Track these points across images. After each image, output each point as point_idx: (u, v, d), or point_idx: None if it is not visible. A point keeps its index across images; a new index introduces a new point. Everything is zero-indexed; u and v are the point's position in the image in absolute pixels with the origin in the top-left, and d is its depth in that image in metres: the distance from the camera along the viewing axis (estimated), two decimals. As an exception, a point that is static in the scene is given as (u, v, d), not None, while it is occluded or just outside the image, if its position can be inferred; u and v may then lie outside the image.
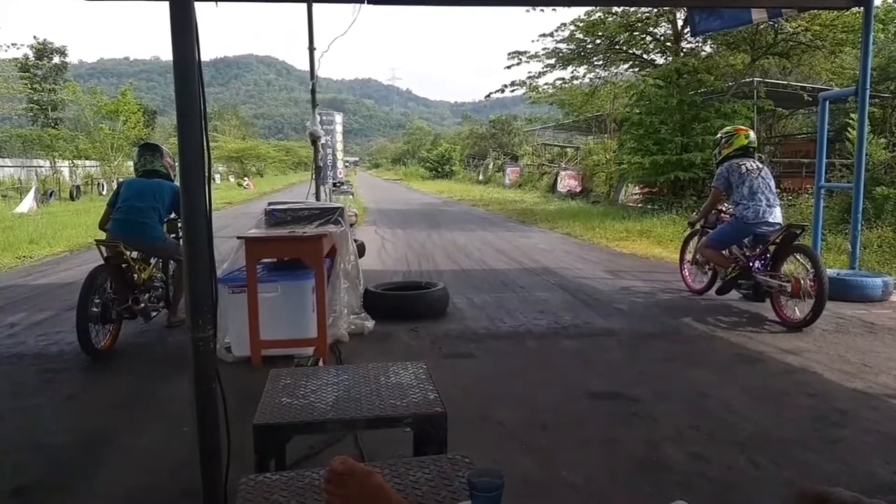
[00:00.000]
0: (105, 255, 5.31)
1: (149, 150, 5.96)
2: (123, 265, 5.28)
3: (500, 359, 4.99)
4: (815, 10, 13.57)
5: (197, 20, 1.92)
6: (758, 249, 6.18)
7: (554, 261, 10.03)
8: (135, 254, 5.55)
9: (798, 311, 5.81)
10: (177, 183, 5.59)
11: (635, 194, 18.99)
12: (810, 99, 16.41)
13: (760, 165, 6.31)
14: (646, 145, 16.22)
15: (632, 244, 11.75)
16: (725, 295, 6.72)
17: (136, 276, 5.41)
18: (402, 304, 6.25)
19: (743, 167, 6.19)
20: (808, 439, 3.39)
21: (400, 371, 2.63)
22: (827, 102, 7.79)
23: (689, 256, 7.49)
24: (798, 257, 5.91)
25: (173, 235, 5.91)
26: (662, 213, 14.72)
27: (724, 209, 6.75)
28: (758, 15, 7.94)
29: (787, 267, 5.98)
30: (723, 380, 4.41)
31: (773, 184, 6.24)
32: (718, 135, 6.82)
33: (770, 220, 6.04)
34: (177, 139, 1.98)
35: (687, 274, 7.57)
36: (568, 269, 9.24)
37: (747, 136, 6.47)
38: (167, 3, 1.89)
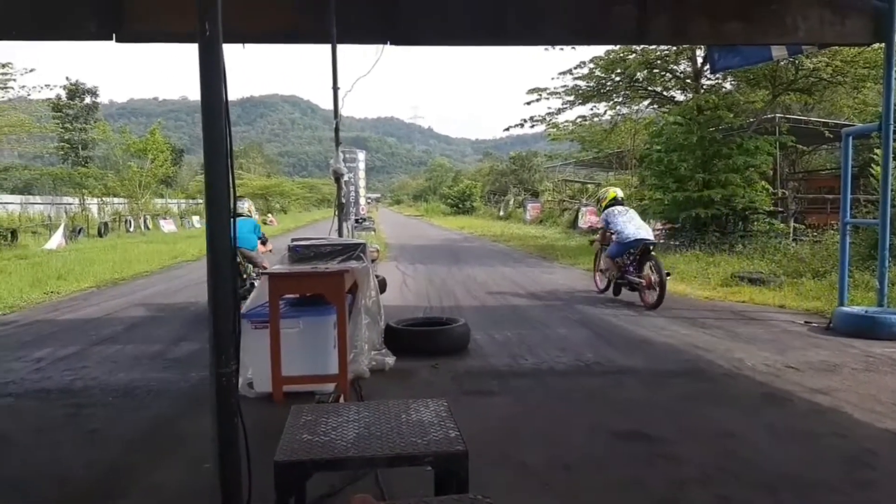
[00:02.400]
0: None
1: (238, 199, 8.63)
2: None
3: (522, 396, 4.94)
4: (836, 47, 13.57)
5: (225, 62, 1.98)
6: (629, 259, 9.28)
7: (576, 298, 9.96)
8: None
9: (650, 297, 8.81)
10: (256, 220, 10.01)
11: (657, 230, 18.88)
12: (832, 135, 16.32)
13: (627, 208, 10.02)
14: (666, 182, 16.18)
15: (654, 280, 11.64)
16: (618, 293, 9.76)
17: (243, 273, 8.55)
18: (422, 340, 6.24)
19: (615, 210, 9.80)
20: (837, 481, 3.30)
21: (421, 408, 2.62)
22: (850, 138, 7.74)
23: (600, 266, 10.40)
24: (650, 263, 8.98)
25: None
26: (685, 250, 14.60)
27: (612, 236, 9.66)
28: (778, 52, 7.97)
29: (645, 270, 9.03)
30: (749, 419, 4.31)
31: (636, 216, 9.85)
32: (600, 193, 11.15)
33: (634, 239, 9.21)
34: (203, 177, 2.03)
35: (597, 279, 10.56)
36: (590, 306, 9.17)
37: (615, 195, 10.22)
38: (194, 45, 1.95)
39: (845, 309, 7.29)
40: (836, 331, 7.08)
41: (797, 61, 15.21)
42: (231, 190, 2.01)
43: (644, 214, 19.62)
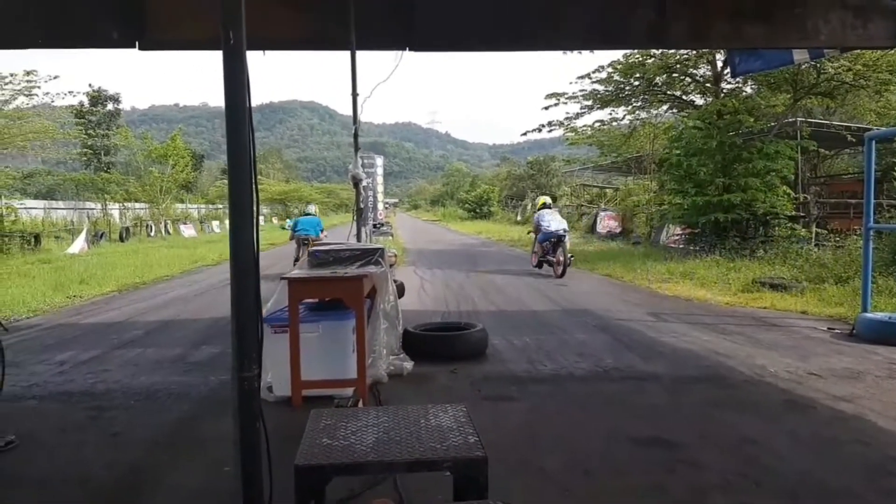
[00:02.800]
0: (299, 242, 13.51)
1: (308, 204, 15.44)
2: (305, 244, 12.57)
3: (541, 402, 4.93)
4: (858, 50, 13.41)
5: (248, 69, 2.00)
6: (550, 244, 13.53)
7: (594, 302, 9.92)
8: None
9: (558, 270, 13.08)
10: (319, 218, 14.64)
11: (676, 235, 18.74)
12: (854, 139, 16.11)
13: (553, 210, 14.54)
14: (685, 187, 16.06)
15: (674, 286, 11.56)
16: (541, 268, 13.97)
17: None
18: (441, 345, 6.24)
19: (544, 212, 13.97)
20: (861, 489, 3.25)
21: (440, 413, 2.62)
22: (873, 142, 7.65)
23: (534, 249, 14.49)
24: (560, 248, 13.20)
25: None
26: (705, 255, 14.47)
27: (540, 230, 13.78)
28: (799, 56, 7.89)
29: (558, 253, 13.19)
30: (771, 426, 4.27)
31: (557, 216, 14.25)
32: (536, 200, 15.69)
33: (552, 231, 13.43)
34: (227, 182, 2.05)
35: (532, 259, 14.50)
36: (609, 311, 9.12)
37: (545, 202, 14.77)
38: (217, 52, 1.98)
39: (869, 315, 7.19)
40: (859, 337, 6.98)
41: (819, 65, 15.05)
42: (254, 196, 2.03)
43: (663, 219, 19.56)
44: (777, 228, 15.30)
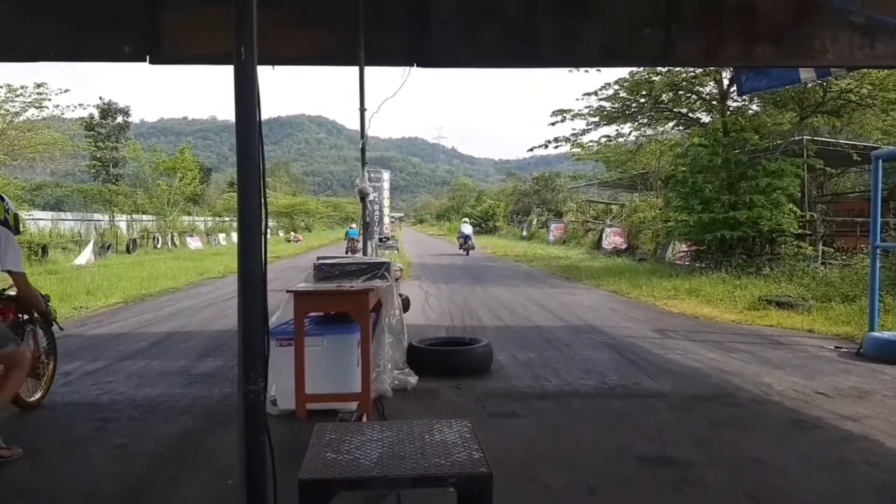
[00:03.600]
0: (349, 241, 25.35)
1: (351, 222, 27.57)
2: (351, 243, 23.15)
3: (546, 419, 4.90)
4: (865, 69, 13.43)
5: (259, 85, 2.02)
6: (462, 240, 28.74)
7: (600, 319, 9.89)
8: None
9: (465, 252, 27.89)
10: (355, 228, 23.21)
11: (682, 252, 18.71)
12: (860, 158, 16.09)
13: (466, 223, 31.26)
14: (691, 204, 16.05)
15: (680, 303, 11.52)
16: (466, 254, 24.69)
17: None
18: (445, 359, 6.22)
19: (463, 225, 30.13)
20: (872, 512, 3.22)
21: (444, 429, 2.61)
22: (880, 161, 7.64)
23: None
24: (469, 243, 28.15)
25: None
26: (711, 272, 14.43)
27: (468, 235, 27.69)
28: (806, 74, 7.91)
29: (466, 245, 28.15)
30: (779, 446, 4.23)
31: (469, 226, 29.91)
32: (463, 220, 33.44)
33: (463, 234, 28.72)
34: (236, 195, 2.07)
35: (458, 248, 27.78)
36: (614, 327, 9.09)
37: (465, 219, 36.95)
38: (227, 67, 2.00)
39: (876, 334, 7.15)
40: (866, 356, 6.94)
41: (825, 84, 15.08)
42: (263, 209, 2.04)
43: (669, 236, 19.55)
44: (783, 246, 15.26)
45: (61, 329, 5.52)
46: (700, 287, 12.82)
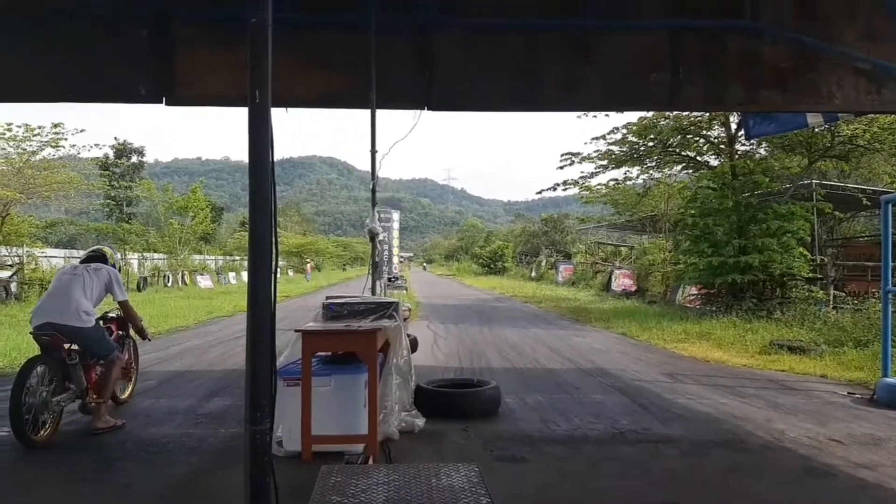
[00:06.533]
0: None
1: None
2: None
3: (555, 464, 4.83)
4: (873, 114, 13.52)
5: (272, 127, 2.06)
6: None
7: (609, 362, 9.80)
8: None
9: None
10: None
11: (692, 295, 18.60)
12: (870, 202, 16.08)
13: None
14: (701, 248, 16.01)
15: (690, 346, 11.41)
16: None
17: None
18: (453, 401, 6.17)
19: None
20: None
21: (451, 473, 2.58)
22: (889, 205, 7.63)
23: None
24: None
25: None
26: (721, 315, 14.32)
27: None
28: (813, 119, 7.98)
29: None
30: (791, 493, 4.15)
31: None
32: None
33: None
34: (248, 235, 2.09)
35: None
36: (624, 370, 9.00)
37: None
38: (241, 108, 2.04)
39: (889, 380, 7.04)
40: (880, 403, 6.82)
41: (833, 128, 15.17)
42: (274, 249, 2.07)
43: (679, 279, 19.47)
44: (794, 290, 15.15)
45: (149, 339, 6.92)
46: (711, 330, 12.71)
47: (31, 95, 6.89)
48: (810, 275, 15.47)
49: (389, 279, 19.85)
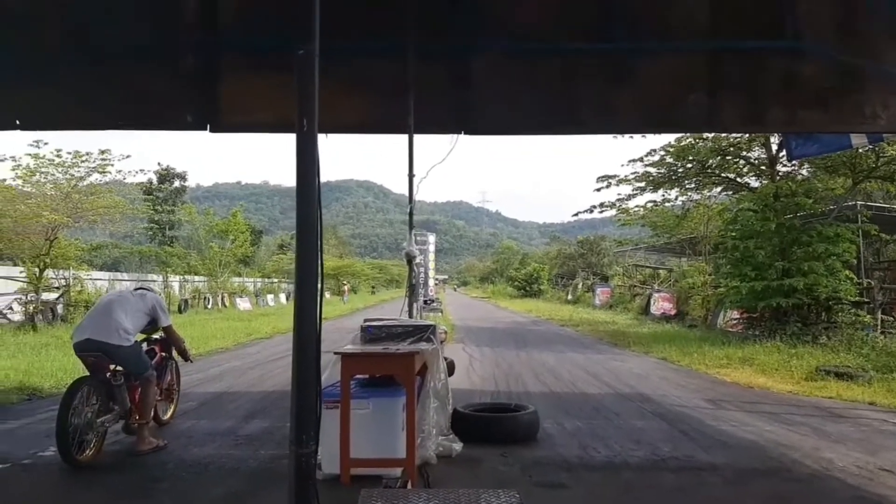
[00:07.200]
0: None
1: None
2: None
3: (595, 491, 4.76)
4: (920, 134, 13.19)
5: (319, 154, 2.12)
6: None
7: (650, 387, 9.64)
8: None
9: None
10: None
11: (734, 319, 18.21)
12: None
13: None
14: (743, 271, 15.69)
15: (733, 372, 11.15)
16: None
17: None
18: (491, 426, 6.12)
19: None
20: None
21: (492, 499, 2.57)
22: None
23: None
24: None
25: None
26: (765, 340, 13.98)
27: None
28: (857, 140, 7.82)
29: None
30: (844, 527, 4.01)
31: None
32: None
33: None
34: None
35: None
36: (665, 396, 8.84)
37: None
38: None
39: (945, 409, 6.79)
40: (935, 432, 6.58)
41: (878, 148, 14.83)
42: (319, 272, 2.11)
43: (721, 303, 19.10)
44: (840, 314, 14.73)
45: (191, 361, 7.31)
46: (754, 356, 12.41)
47: (82, 124, 7.16)
48: (857, 298, 15.05)
49: (425, 301, 19.90)
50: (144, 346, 6.17)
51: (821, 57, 6.69)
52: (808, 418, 7.41)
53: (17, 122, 6.59)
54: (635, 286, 33.50)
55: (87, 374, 5.56)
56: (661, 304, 25.59)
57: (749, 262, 15.48)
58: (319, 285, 2.12)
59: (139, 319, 5.84)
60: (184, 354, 6.63)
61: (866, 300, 15.52)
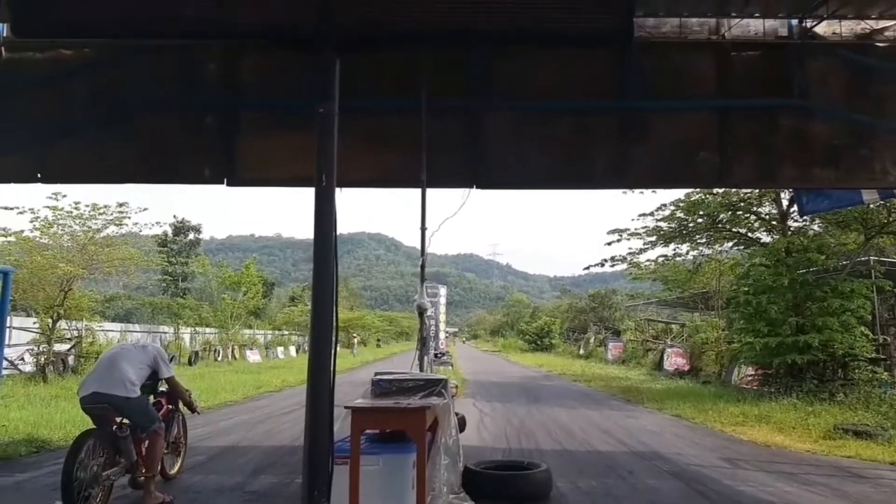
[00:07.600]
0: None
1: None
2: None
3: (609, 552, 4.63)
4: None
5: (336, 208, 2.16)
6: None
7: (664, 445, 9.45)
8: None
9: None
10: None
11: (749, 375, 17.92)
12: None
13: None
14: (756, 327, 15.52)
15: (749, 430, 10.92)
16: None
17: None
18: (503, 485, 6.01)
19: None
20: None
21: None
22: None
23: None
24: None
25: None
26: (781, 397, 13.73)
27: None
28: (869, 195, 7.84)
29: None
30: None
31: None
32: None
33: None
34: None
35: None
36: (680, 454, 8.66)
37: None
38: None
39: (970, 470, 6.60)
40: (961, 495, 6.39)
41: (889, 204, 14.82)
42: (334, 326, 2.12)
43: (735, 359, 18.84)
44: (857, 371, 14.47)
45: (199, 414, 7.24)
46: (770, 413, 12.17)
47: (104, 177, 7.32)
48: (873, 355, 14.81)
49: (436, 355, 19.76)
50: (151, 398, 6.17)
51: (829, 115, 6.81)
52: (828, 479, 7.23)
53: (39, 176, 6.77)
54: (648, 341, 33.16)
55: (93, 426, 5.55)
56: (675, 359, 25.28)
57: (762, 317, 15.33)
58: (334, 338, 2.13)
59: (141, 371, 5.89)
60: (190, 406, 6.63)
61: (883, 357, 15.27)
